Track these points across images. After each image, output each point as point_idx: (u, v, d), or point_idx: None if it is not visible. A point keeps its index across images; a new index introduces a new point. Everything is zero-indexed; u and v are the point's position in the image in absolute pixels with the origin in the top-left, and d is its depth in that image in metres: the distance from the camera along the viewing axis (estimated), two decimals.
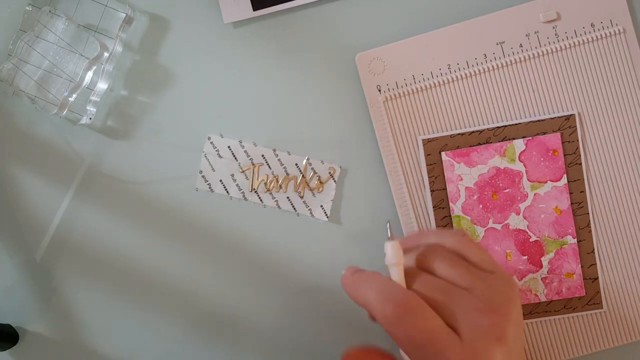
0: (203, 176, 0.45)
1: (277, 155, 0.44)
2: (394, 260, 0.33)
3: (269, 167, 0.44)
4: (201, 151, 0.45)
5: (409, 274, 0.33)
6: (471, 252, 0.35)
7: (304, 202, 0.45)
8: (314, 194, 0.44)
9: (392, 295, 0.32)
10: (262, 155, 0.44)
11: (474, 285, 0.33)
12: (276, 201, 0.45)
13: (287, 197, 0.44)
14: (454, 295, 0.32)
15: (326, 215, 0.44)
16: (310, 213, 0.44)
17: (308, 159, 0.44)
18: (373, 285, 0.33)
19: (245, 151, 0.44)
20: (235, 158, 0.44)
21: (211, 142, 0.44)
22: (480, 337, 0.31)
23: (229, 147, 0.44)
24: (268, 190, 0.44)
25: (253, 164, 0.44)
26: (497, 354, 0.31)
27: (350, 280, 0.34)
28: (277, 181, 0.44)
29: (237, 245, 0.45)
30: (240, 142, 0.44)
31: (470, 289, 0.32)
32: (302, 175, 0.44)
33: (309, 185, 0.44)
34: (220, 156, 0.44)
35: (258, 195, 0.45)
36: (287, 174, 0.44)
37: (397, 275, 0.33)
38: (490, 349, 0.31)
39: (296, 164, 0.44)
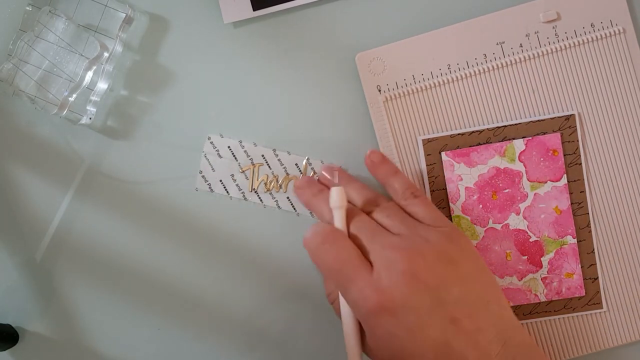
0: (203, 176, 0.45)
1: (277, 155, 0.44)
2: (336, 204, 0.38)
3: (269, 167, 0.44)
4: (201, 151, 0.45)
5: (350, 215, 0.38)
6: (418, 211, 0.39)
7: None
8: None
9: (319, 229, 0.37)
10: (262, 155, 0.44)
11: (401, 230, 0.37)
12: (276, 201, 0.45)
13: (287, 197, 0.44)
14: (377, 234, 0.36)
15: None
16: (311, 213, 0.44)
17: (308, 159, 0.44)
18: (314, 226, 0.38)
19: (245, 151, 0.44)
20: (235, 158, 0.44)
21: (211, 142, 0.44)
22: (387, 269, 0.35)
23: (229, 147, 0.44)
24: (268, 190, 0.44)
25: (253, 164, 0.44)
26: (400, 285, 0.34)
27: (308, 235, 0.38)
28: (277, 181, 0.44)
29: (237, 246, 0.45)
30: (240, 142, 0.44)
31: (396, 234, 0.37)
32: (303, 175, 0.44)
33: None
34: (220, 156, 0.44)
35: (258, 195, 0.45)
36: (287, 174, 0.44)
37: (338, 216, 0.37)
38: (394, 279, 0.34)
39: (296, 164, 0.44)
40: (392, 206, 0.39)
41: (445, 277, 0.35)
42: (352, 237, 0.37)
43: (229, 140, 0.44)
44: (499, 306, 0.36)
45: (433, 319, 0.34)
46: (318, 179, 0.44)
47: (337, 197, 0.38)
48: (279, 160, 0.44)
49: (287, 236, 0.45)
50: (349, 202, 0.40)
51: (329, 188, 0.41)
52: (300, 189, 0.43)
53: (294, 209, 0.45)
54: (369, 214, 0.39)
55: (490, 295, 0.36)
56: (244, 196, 0.44)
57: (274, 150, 0.44)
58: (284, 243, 0.45)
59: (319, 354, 0.45)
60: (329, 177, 0.42)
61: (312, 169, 0.44)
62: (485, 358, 0.34)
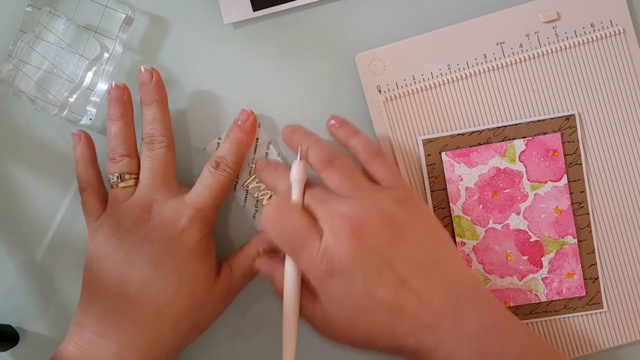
0: None
1: None
2: (295, 177, 0.39)
3: None
4: (202, 151, 0.45)
5: (308, 186, 0.39)
6: (378, 171, 0.39)
7: None
8: None
9: (270, 204, 0.38)
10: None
11: (352, 195, 0.37)
12: (255, 210, 0.44)
13: None
14: (327, 202, 0.37)
15: None
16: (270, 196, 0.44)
17: None
18: (267, 203, 0.40)
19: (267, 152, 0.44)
20: (255, 151, 0.44)
21: (219, 143, 0.44)
22: (335, 234, 0.36)
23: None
24: (256, 198, 0.44)
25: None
26: (347, 249, 0.35)
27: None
28: (270, 195, 0.44)
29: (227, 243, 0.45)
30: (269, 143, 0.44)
31: (347, 198, 0.37)
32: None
33: None
34: None
35: (245, 194, 0.44)
36: None
37: (296, 189, 0.38)
38: (341, 244, 0.35)
39: None
40: (345, 166, 0.39)
41: (393, 238, 0.36)
42: (306, 207, 0.38)
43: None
44: (450, 264, 0.38)
45: (382, 279, 0.35)
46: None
47: (296, 170, 0.39)
48: None
49: (239, 241, 0.45)
50: (306, 158, 0.40)
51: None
52: (260, 170, 0.43)
53: None
54: (321, 172, 0.39)
55: (440, 255, 0.37)
56: (234, 188, 0.44)
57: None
58: (235, 246, 0.45)
59: (318, 349, 0.45)
60: (289, 135, 0.42)
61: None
62: (438, 316, 0.35)
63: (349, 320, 0.36)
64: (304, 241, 0.36)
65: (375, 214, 0.36)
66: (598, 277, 0.44)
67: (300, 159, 0.40)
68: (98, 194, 0.43)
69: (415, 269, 0.36)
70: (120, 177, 0.41)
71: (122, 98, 0.42)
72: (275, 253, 0.43)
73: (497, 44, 0.43)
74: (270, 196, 0.44)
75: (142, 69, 0.42)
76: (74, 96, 0.43)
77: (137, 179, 0.42)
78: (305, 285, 0.39)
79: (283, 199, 0.39)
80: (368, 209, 0.37)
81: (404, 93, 0.43)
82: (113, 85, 0.42)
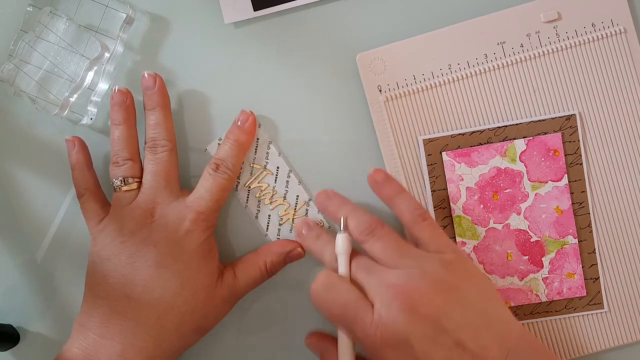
0: None
1: (288, 176, 0.44)
2: (340, 250, 0.39)
3: (275, 180, 0.44)
4: (202, 152, 0.45)
5: (353, 255, 0.39)
6: (421, 233, 0.39)
7: (279, 229, 0.44)
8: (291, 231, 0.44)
9: (319, 278, 0.38)
10: (277, 167, 0.44)
11: (398, 264, 0.38)
12: (258, 210, 0.44)
13: (269, 215, 0.44)
14: (374, 273, 0.38)
15: None
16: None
17: (309, 200, 0.44)
18: (316, 277, 0.39)
19: (267, 153, 0.44)
20: (255, 152, 0.44)
21: (219, 144, 0.44)
22: (386, 306, 0.36)
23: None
24: (259, 197, 0.44)
25: (265, 168, 0.44)
26: (400, 321, 0.35)
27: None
28: (272, 196, 0.44)
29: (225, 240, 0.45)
30: (270, 143, 0.44)
31: (394, 267, 0.37)
32: (294, 209, 0.44)
33: (293, 220, 0.44)
34: None
35: (247, 194, 0.44)
36: (285, 198, 0.44)
37: (342, 262, 0.39)
38: (393, 316, 0.35)
39: (297, 196, 0.44)
40: (387, 234, 0.39)
41: (444, 305, 0.36)
42: (353, 279, 0.38)
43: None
44: (501, 321, 0.38)
45: (438, 346, 0.36)
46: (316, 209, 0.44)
47: (342, 243, 0.39)
48: (287, 181, 0.44)
49: (243, 246, 0.45)
50: (345, 227, 0.40)
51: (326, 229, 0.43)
52: (300, 235, 0.42)
53: (266, 228, 0.44)
54: (364, 243, 0.39)
55: (491, 313, 0.38)
56: (236, 188, 0.44)
57: (290, 170, 0.44)
58: (238, 251, 0.45)
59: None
60: (325, 202, 0.42)
61: (307, 209, 0.44)
62: None
63: None
64: (356, 314, 0.36)
65: (424, 282, 0.37)
66: (599, 277, 0.44)
67: (343, 230, 0.40)
68: (97, 197, 0.43)
69: (469, 331, 0.36)
70: (124, 181, 0.41)
71: (125, 103, 0.42)
72: (282, 265, 0.43)
73: (498, 44, 0.43)
74: (271, 197, 0.44)
75: (146, 75, 0.42)
76: (75, 96, 0.43)
77: (140, 182, 0.42)
78: None
79: (331, 272, 0.39)
80: (417, 277, 0.37)
81: (404, 93, 0.43)
82: (116, 90, 0.42)
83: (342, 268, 0.39)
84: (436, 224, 0.40)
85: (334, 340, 0.40)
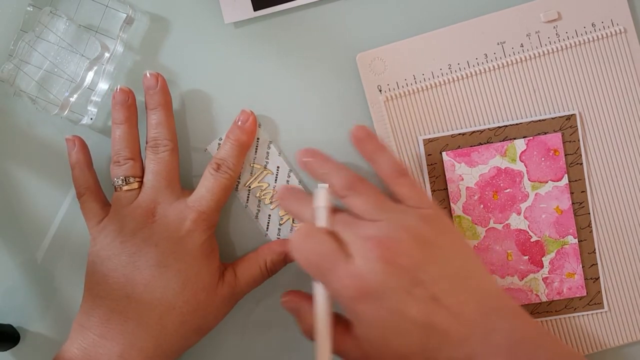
0: None
1: (289, 176, 0.44)
2: (319, 204, 0.39)
3: (275, 180, 0.44)
4: (202, 152, 0.45)
5: (333, 211, 0.39)
6: (399, 189, 0.39)
7: (280, 229, 0.44)
8: (292, 230, 0.44)
9: (298, 229, 0.38)
10: (277, 167, 0.44)
11: (377, 218, 0.38)
12: (258, 210, 0.44)
13: (269, 215, 0.44)
14: (353, 225, 0.38)
15: None
16: (293, 220, 0.44)
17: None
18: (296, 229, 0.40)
19: (267, 152, 0.44)
20: (255, 152, 0.44)
21: (219, 144, 0.44)
22: (364, 257, 0.36)
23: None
24: (259, 197, 0.44)
25: (265, 168, 0.44)
26: (377, 271, 0.35)
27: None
28: (272, 195, 0.44)
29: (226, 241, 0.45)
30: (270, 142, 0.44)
31: (373, 221, 0.37)
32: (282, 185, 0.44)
33: (293, 220, 0.44)
34: None
35: (247, 194, 0.44)
36: None
37: (321, 215, 0.39)
38: (371, 266, 0.36)
39: None
40: (367, 189, 0.39)
41: (422, 258, 0.36)
42: (332, 233, 0.38)
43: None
44: (479, 278, 0.38)
45: (413, 298, 0.35)
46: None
47: (321, 196, 0.39)
48: (287, 181, 0.44)
49: (244, 245, 0.45)
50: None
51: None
52: (282, 198, 0.42)
53: (267, 228, 0.44)
54: (344, 198, 0.39)
55: (468, 270, 0.38)
56: (236, 188, 0.44)
57: (290, 170, 0.44)
58: (239, 250, 0.45)
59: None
60: (305, 159, 0.42)
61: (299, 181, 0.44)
62: (467, 329, 0.35)
63: (382, 342, 0.36)
64: (334, 265, 0.36)
65: (403, 234, 0.37)
66: (599, 277, 0.44)
67: (322, 184, 0.40)
68: (97, 197, 0.43)
69: (445, 286, 0.36)
70: (125, 180, 0.41)
71: (127, 102, 0.42)
72: (282, 264, 0.43)
73: (498, 44, 0.43)
74: (271, 196, 0.44)
75: (148, 74, 0.42)
76: (75, 96, 0.43)
77: (141, 182, 0.42)
78: (334, 318, 0.38)
79: (311, 224, 0.39)
80: (395, 229, 0.37)
81: (404, 93, 0.43)
82: (118, 90, 0.42)
83: (321, 220, 0.39)
84: (414, 181, 0.41)
85: (309, 298, 0.39)
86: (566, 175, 0.43)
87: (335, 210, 0.39)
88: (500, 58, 0.43)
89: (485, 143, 0.43)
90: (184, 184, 0.44)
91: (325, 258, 0.37)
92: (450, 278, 0.37)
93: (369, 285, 0.36)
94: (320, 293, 0.38)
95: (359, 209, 0.39)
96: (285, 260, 0.43)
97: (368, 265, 0.36)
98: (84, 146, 0.43)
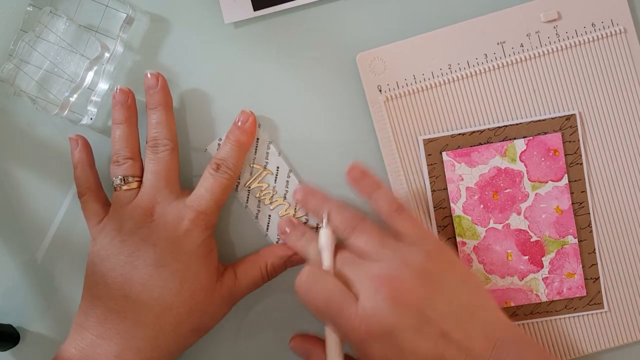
0: None
1: (288, 176, 0.44)
2: (324, 245, 0.39)
3: (275, 180, 0.44)
4: (202, 152, 0.45)
5: (337, 250, 0.40)
6: (400, 225, 0.40)
7: None
8: None
9: (303, 273, 0.39)
10: (277, 167, 0.44)
11: (381, 256, 0.38)
12: (258, 211, 0.44)
13: (269, 215, 0.44)
14: (358, 265, 0.38)
15: None
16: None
17: None
18: (300, 272, 0.39)
19: (267, 153, 0.44)
20: (255, 152, 0.44)
21: (219, 144, 0.44)
22: (370, 298, 0.36)
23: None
24: (259, 197, 0.44)
25: (265, 168, 0.44)
26: (384, 311, 0.36)
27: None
28: (272, 196, 0.44)
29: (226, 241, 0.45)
30: (270, 143, 0.44)
31: (378, 260, 0.38)
32: (294, 209, 0.44)
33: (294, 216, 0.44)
34: None
35: (247, 194, 0.44)
36: (285, 198, 0.44)
37: (326, 257, 0.39)
38: (378, 307, 0.36)
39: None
40: (369, 228, 0.40)
41: (428, 295, 0.37)
42: (337, 273, 0.39)
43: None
44: (486, 310, 0.38)
45: (423, 336, 0.36)
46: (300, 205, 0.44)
47: (325, 239, 0.40)
48: (287, 181, 0.44)
49: (244, 246, 0.45)
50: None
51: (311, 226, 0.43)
52: (284, 233, 0.43)
53: (267, 229, 0.44)
54: (347, 238, 0.40)
55: (475, 303, 0.38)
56: (236, 188, 0.44)
57: (290, 170, 0.44)
58: (238, 251, 0.45)
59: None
60: (305, 198, 0.42)
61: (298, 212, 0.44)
62: None
63: None
64: (341, 307, 0.37)
65: (407, 272, 0.37)
66: (599, 277, 0.44)
67: (326, 225, 0.40)
68: (98, 197, 0.43)
69: (453, 321, 0.36)
70: (124, 180, 0.41)
71: (127, 102, 0.42)
72: (283, 268, 0.43)
73: (498, 44, 0.43)
74: (271, 197, 0.44)
75: (149, 74, 0.42)
76: (75, 96, 0.43)
77: (140, 181, 0.42)
78: None
79: (315, 266, 0.39)
80: (399, 267, 0.37)
81: (404, 93, 0.43)
82: (118, 90, 0.42)
83: (326, 262, 0.39)
84: (414, 216, 0.41)
85: (319, 341, 0.40)
86: (566, 175, 0.43)
87: (338, 248, 0.40)
88: (500, 58, 0.43)
89: (485, 143, 0.43)
90: (184, 184, 0.44)
91: (333, 302, 0.37)
92: (458, 313, 0.37)
93: (377, 326, 0.36)
94: (331, 337, 0.38)
95: (362, 248, 0.39)
96: (285, 264, 0.43)
97: (375, 306, 0.36)
98: (86, 146, 0.43)
